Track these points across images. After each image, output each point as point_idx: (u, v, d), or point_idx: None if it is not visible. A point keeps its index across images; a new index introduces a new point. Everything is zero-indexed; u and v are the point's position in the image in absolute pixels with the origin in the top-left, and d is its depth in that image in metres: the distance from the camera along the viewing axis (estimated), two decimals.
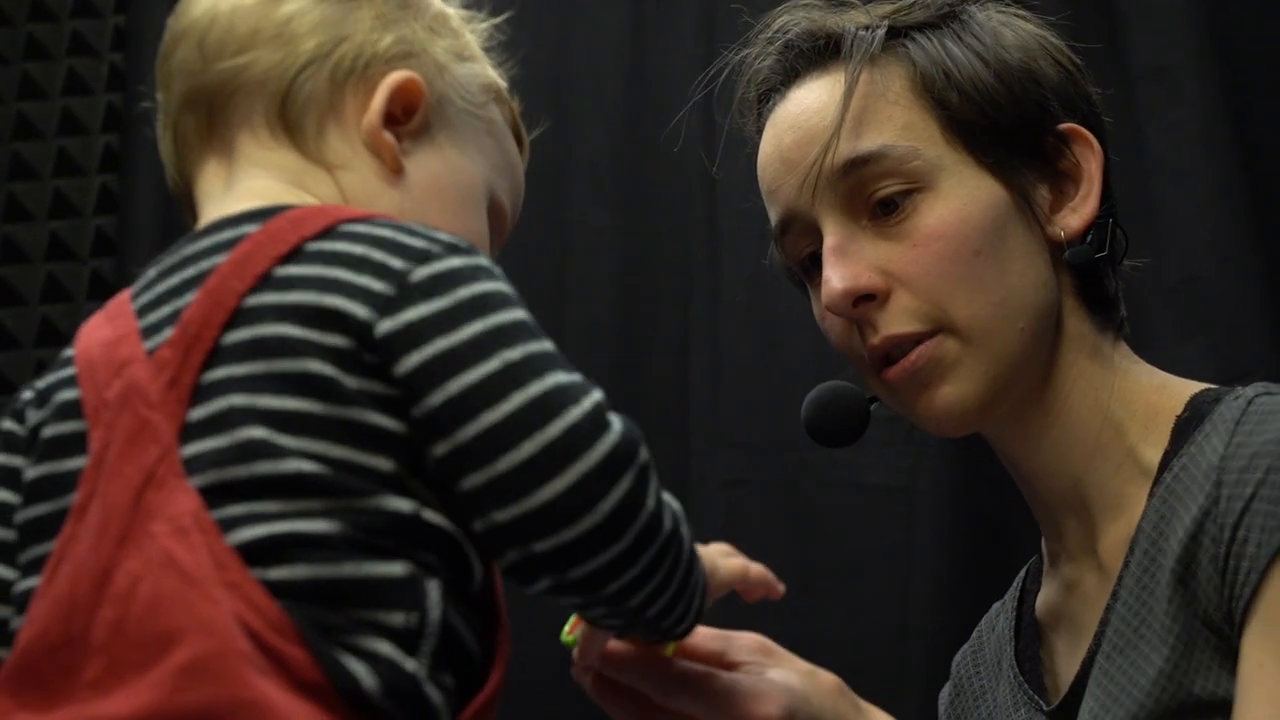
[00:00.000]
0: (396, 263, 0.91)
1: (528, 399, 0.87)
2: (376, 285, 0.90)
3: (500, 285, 0.93)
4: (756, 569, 1.14)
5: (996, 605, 1.51)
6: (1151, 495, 1.23)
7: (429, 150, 1.06)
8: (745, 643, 1.24)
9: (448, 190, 1.06)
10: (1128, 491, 1.26)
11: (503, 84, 1.14)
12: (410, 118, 1.05)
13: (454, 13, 1.13)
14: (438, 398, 0.87)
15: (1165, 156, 2.14)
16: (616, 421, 0.89)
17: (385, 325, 0.89)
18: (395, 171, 1.03)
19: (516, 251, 2.39)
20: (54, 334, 2.65)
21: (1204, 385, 1.29)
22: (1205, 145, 2.12)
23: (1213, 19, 2.17)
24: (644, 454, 0.90)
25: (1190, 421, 1.24)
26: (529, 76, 2.36)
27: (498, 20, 1.15)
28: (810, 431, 1.41)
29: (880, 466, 2.22)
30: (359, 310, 0.89)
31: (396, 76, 1.04)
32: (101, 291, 2.60)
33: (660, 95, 2.40)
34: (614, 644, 1.15)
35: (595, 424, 0.88)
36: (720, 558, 1.10)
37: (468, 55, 1.11)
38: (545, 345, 0.91)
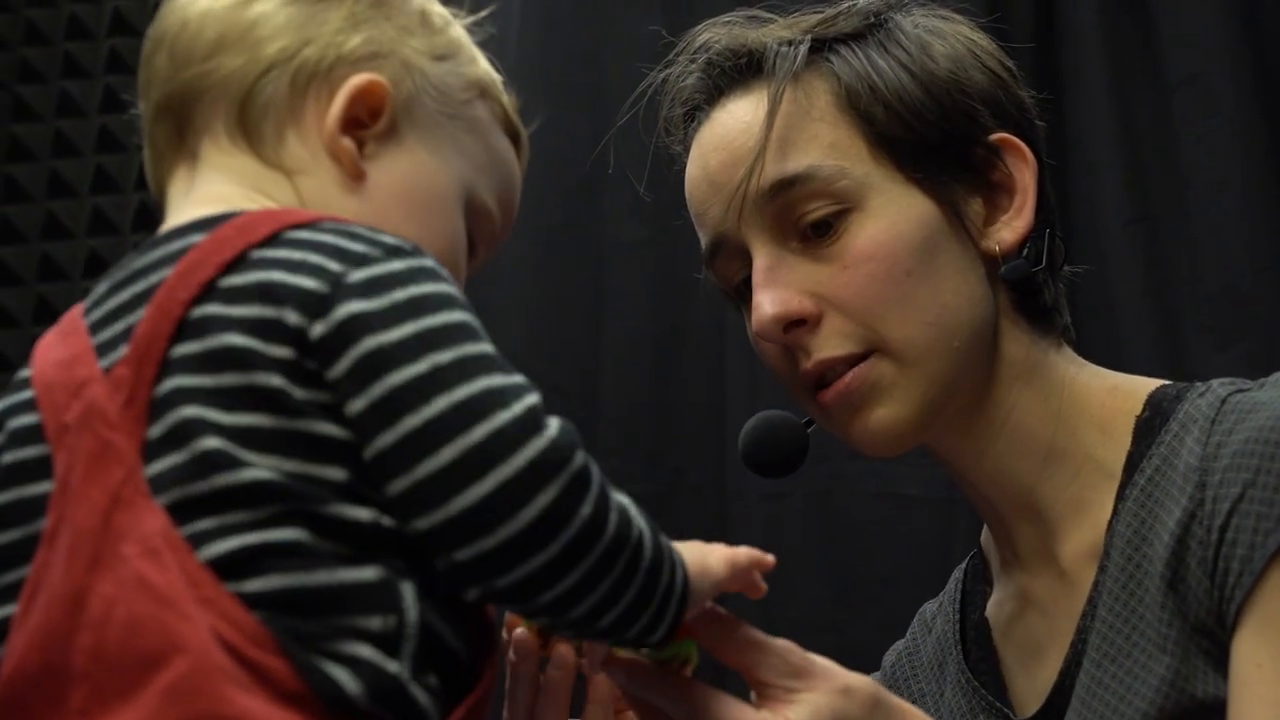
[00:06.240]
0: (334, 265, 0.88)
1: (451, 403, 0.84)
2: (311, 284, 0.87)
3: (441, 286, 0.90)
4: (743, 551, 1.02)
5: (930, 605, 1.47)
6: (1123, 498, 1.20)
7: (396, 152, 1.02)
8: (778, 661, 1.03)
9: (415, 193, 1.03)
10: (1088, 496, 1.24)
11: (492, 79, 1.10)
12: (376, 120, 1.01)
13: (435, 10, 1.08)
14: (362, 402, 0.85)
15: (1201, 165, 2.14)
16: (552, 426, 0.86)
17: (318, 329, 0.86)
18: (355, 177, 1.00)
19: (553, 265, 2.42)
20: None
21: (1159, 382, 1.26)
22: (1241, 153, 2.11)
23: (1247, 27, 2.17)
24: (579, 460, 0.86)
25: (1152, 420, 1.22)
26: (563, 89, 2.36)
27: (484, 14, 1.11)
28: (749, 464, 1.38)
29: (918, 478, 2.21)
30: (293, 317, 0.87)
31: (357, 80, 1.00)
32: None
33: None
34: (626, 655, 1.02)
35: (523, 428, 0.85)
36: (708, 556, 0.99)
37: (445, 53, 1.07)
38: (482, 347, 0.88)
